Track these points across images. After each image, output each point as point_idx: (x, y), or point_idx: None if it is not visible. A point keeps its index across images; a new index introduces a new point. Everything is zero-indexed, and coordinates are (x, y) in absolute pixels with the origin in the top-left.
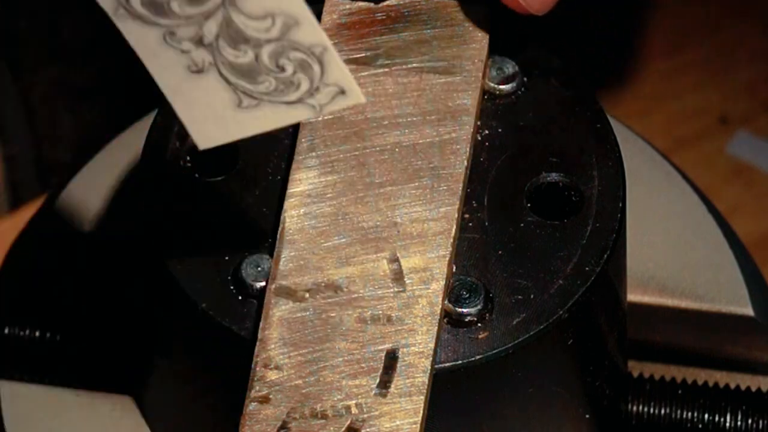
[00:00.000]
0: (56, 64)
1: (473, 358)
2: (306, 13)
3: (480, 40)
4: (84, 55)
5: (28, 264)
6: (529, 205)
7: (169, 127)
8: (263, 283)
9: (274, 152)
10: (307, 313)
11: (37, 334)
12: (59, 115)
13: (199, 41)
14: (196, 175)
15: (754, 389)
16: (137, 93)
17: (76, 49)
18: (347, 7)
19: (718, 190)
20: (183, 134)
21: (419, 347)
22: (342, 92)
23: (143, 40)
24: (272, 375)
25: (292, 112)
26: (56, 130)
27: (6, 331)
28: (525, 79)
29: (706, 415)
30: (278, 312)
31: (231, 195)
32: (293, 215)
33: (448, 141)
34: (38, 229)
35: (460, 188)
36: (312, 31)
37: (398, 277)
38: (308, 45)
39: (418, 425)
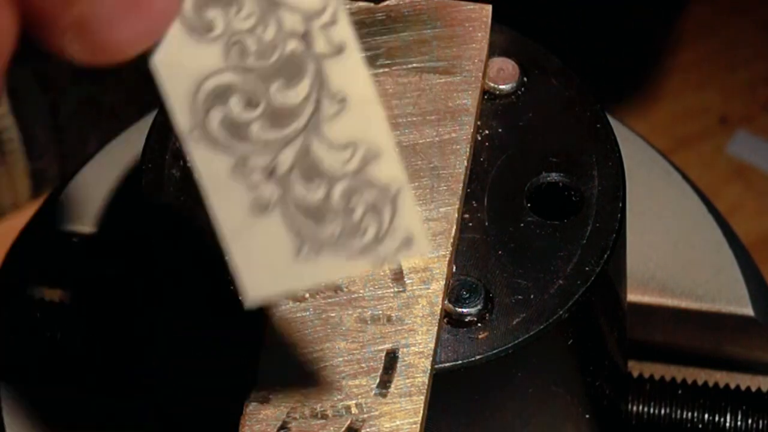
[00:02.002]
0: (85, 82)
1: (473, 358)
2: (390, 144)
3: (480, 40)
4: (113, 73)
5: (27, 264)
6: (529, 205)
7: (169, 127)
8: None
9: None
10: (307, 313)
11: (37, 334)
12: (87, 132)
13: (271, 173)
14: None
15: (754, 389)
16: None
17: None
18: (347, 7)
19: (718, 190)
20: None
21: (419, 347)
22: (409, 240)
23: (212, 169)
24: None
25: (352, 264)
26: (84, 147)
27: (7, 330)
28: (525, 79)
29: (706, 415)
30: (278, 312)
31: None
32: None
33: (448, 141)
34: (38, 229)
35: (460, 188)
36: (392, 166)
37: (398, 277)
38: (385, 182)
39: (418, 425)
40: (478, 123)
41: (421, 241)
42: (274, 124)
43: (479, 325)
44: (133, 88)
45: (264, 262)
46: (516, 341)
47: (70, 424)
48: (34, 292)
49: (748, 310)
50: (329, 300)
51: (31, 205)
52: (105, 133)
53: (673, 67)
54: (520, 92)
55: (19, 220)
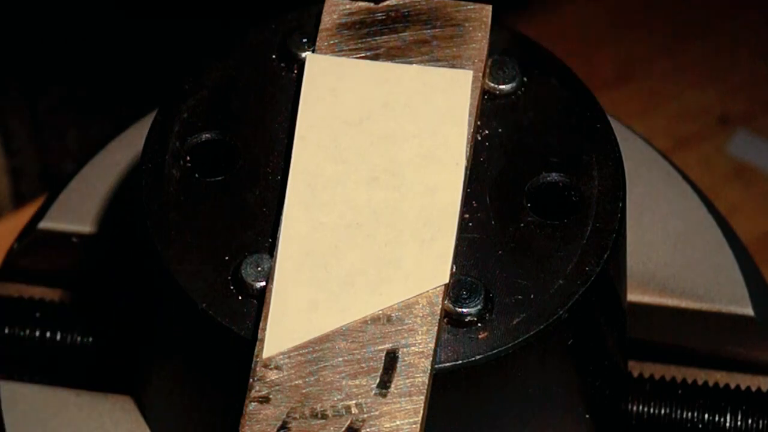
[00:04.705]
0: (64, 79)
1: (473, 358)
2: None
3: (480, 40)
4: (90, 70)
5: (28, 264)
6: (529, 205)
7: (169, 127)
8: (263, 283)
9: (274, 152)
10: None
11: (37, 334)
12: (65, 128)
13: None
14: (196, 175)
15: (754, 389)
16: (141, 106)
17: (83, 64)
18: (347, 7)
19: (718, 190)
20: (183, 134)
21: (419, 347)
22: None
23: None
24: (272, 375)
25: None
26: (62, 143)
27: (6, 331)
28: (525, 79)
29: (706, 415)
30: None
31: (231, 195)
32: None
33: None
34: (38, 228)
35: (460, 189)
36: None
37: None
38: None
39: (418, 425)
40: (478, 123)
41: None
42: None
43: (479, 325)
44: (109, 84)
45: None
46: (516, 341)
47: (70, 422)
48: (34, 292)
49: (748, 310)
50: None
51: (31, 206)
52: (82, 129)
53: (673, 68)
54: (520, 92)
55: (19, 219)
